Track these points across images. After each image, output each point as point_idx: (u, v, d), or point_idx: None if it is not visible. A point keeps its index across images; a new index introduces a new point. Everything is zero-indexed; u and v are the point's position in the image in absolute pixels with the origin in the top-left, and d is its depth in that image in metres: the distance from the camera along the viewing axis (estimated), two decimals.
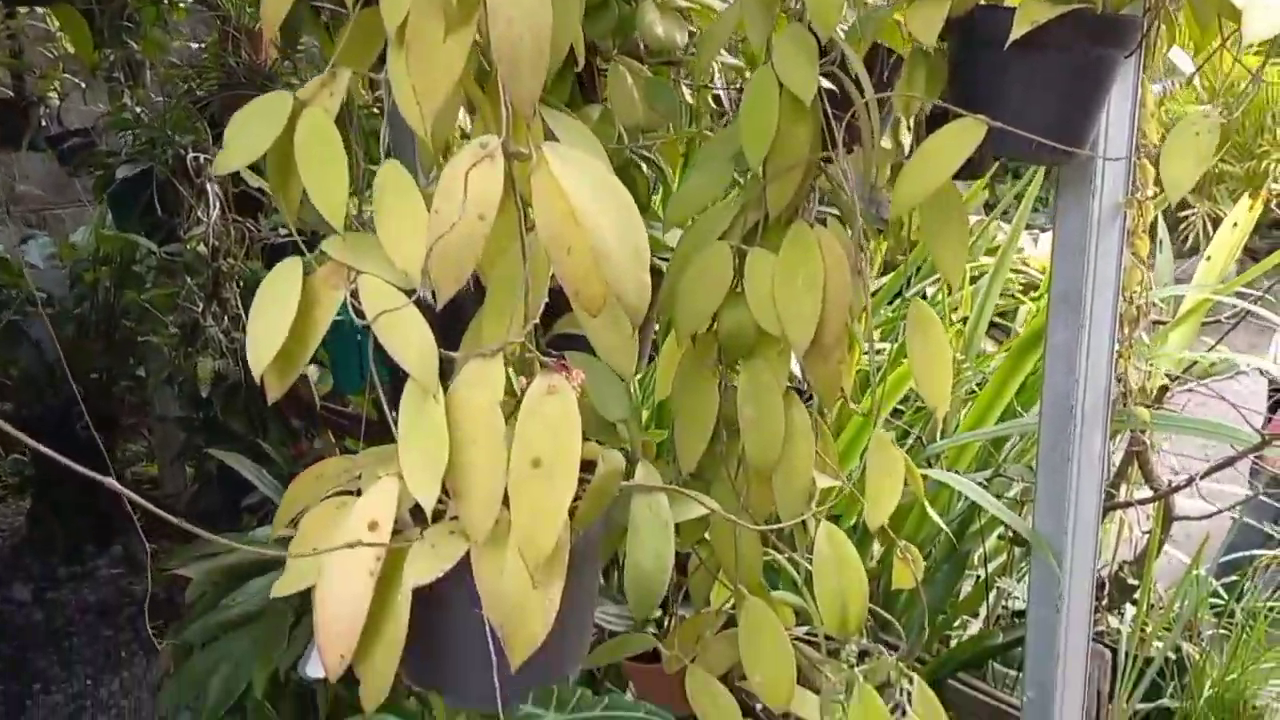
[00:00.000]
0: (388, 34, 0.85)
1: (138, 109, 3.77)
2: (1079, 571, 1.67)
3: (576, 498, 0.97)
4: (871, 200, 1.29)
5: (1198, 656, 2.28)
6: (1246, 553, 2.48)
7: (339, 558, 0.85)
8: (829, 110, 1.13)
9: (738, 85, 1.75)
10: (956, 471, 2.13)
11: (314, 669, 2.06)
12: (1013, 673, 2.23)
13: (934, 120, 1.25)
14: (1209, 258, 2.11)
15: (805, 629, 1.44)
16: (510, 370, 0.90)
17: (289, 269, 0.87)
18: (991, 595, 2.28)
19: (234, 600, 2.67)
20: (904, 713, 1.29)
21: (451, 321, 0.96)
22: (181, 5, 3.66)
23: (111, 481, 0.81)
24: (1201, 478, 1.84)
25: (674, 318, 1.17)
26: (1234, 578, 2.49)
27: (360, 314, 0.87)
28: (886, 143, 1.52)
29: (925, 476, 1.98)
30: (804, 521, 1.24)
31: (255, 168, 0.92)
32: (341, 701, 2.67)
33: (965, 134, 1.15)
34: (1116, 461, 2.09)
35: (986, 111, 1.15)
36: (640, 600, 1.04)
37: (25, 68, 4.27)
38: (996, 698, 1.88)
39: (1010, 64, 1.18)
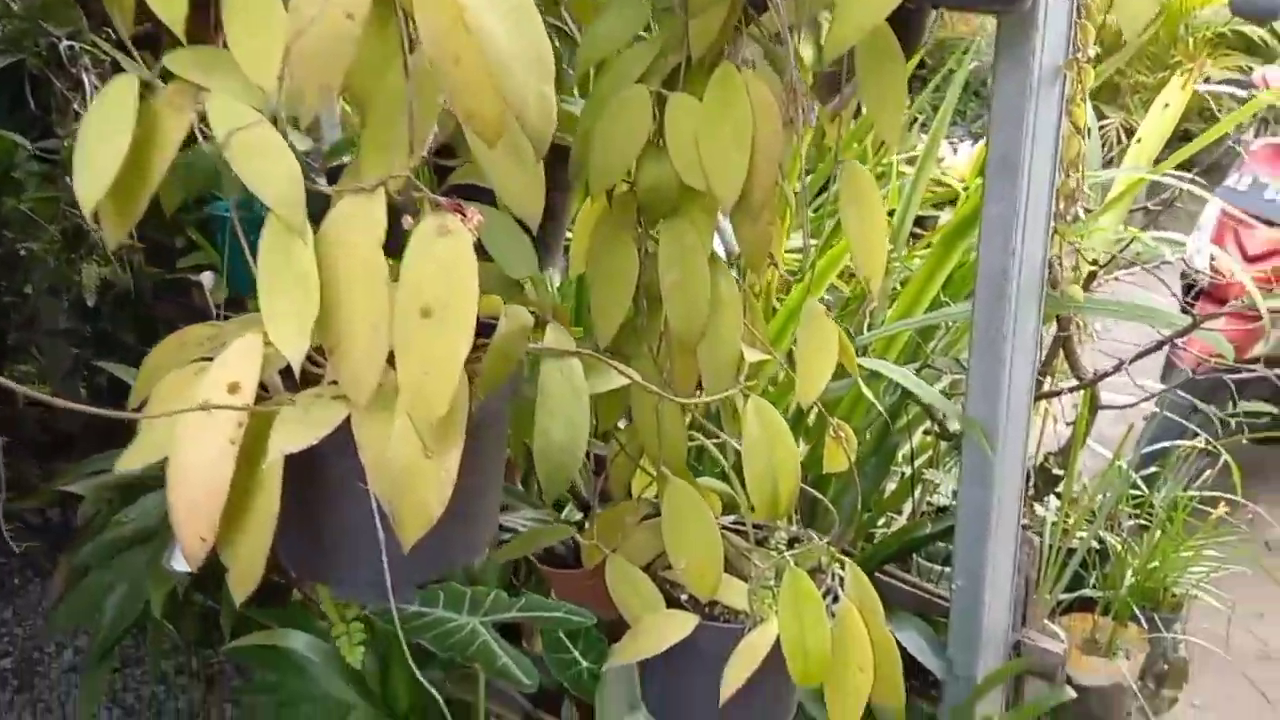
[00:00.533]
0: None
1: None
2: (1011, 456, 1.61)
3: (476, 359, 0.86)
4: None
5: (1119, 547, 2.27)
6: (1167, 443, 2.47)
7: (193, 424, 0.73)
8: None
9: None
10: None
11: (178, 561, 1.92)
12: (937, 567, 2.19)
13: None
14: (1140, 140, 2.05)
15: (732, 518, 1.35)
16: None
17: (121, 87, 0.73)
18: (917, 492, 2.23)
19: (127, 517, 2.52)
20: (836, 598, 1.22)
21: None
22: None
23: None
24: (1132, 361, 1.80)
25: (588, 171, 1.05)
26: (1154, 469, 2.49)
27: (214, 141, 0.74)
28: None
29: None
30: (731, 399, 1.15)
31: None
32: (247, 622, 2.55)
33: None
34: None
35: None
36: (552, 476, 0.93)
37: None
38: (923, 589, 1.83)
39: None
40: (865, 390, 1.52)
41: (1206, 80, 4.59)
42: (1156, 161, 2.22)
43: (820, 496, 1.25)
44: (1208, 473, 2.39)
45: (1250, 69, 5.24)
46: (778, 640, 1.17)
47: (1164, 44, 6.76)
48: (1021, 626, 1.77)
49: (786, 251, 2.33)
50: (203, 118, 0.75)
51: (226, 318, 2.87)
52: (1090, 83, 1.53)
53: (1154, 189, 2.47)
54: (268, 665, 2.43)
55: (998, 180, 1.46)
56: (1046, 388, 2.06)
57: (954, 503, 2.20)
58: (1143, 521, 2.36)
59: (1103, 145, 6.13)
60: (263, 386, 0.83)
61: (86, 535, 2.73)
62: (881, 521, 2.28)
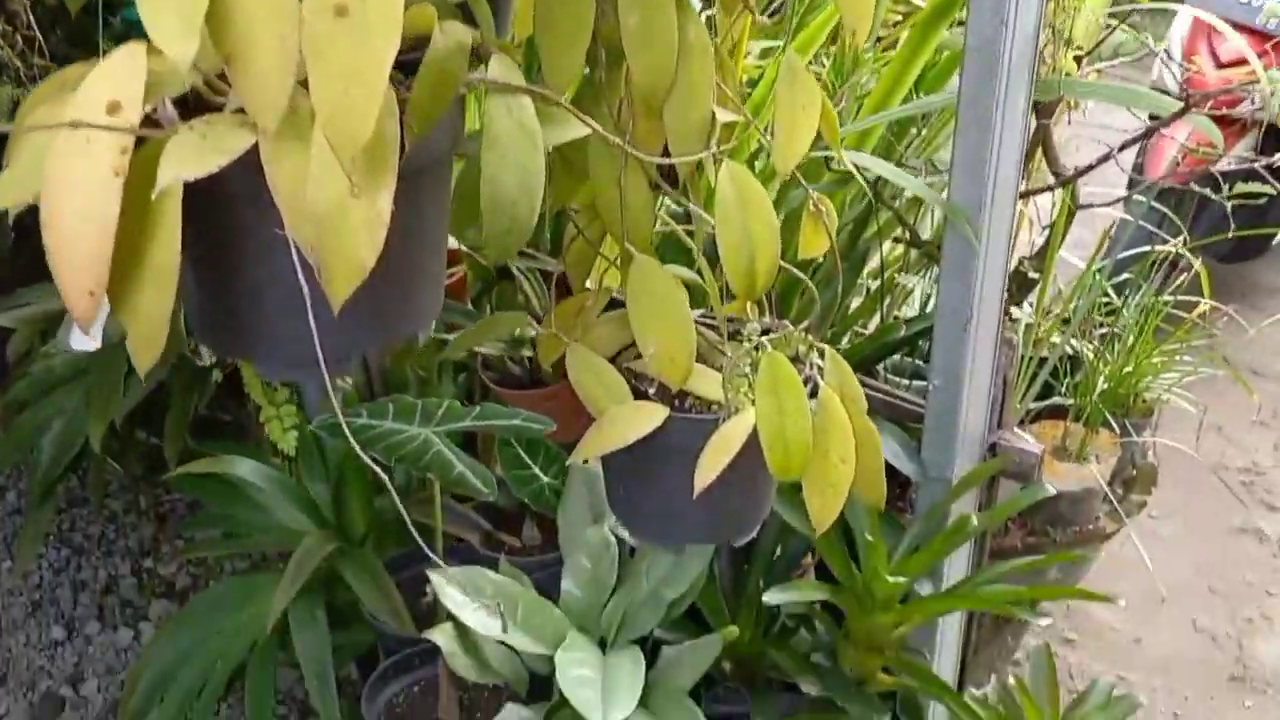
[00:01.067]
0: None
1: None
2: (994, 248, 1.52)
3: (407, 87, 0.73)
4: None
5: (1092, 354, 2.22)
6: (1139, 249, 2.40)
7: (67, 152, 0.60)
8: None
9: None
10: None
11: (75, 338, 1.81)
12: (904, 381, 2.13)
13: None
14: None
15: (701, 312, 1.25)
16: None
17: None
18: (886, 301, 2.15)
19: (56, 348, 2.38)
20: (815, 389, 1.13)
21: None
22: None
23: None
24: (1121, 150, 1.69)
25: None
26: (1127, 275, 2.43)
27: None
28: None
29: (827, 160, 1.79)
30: (701, 166, 1.03)
31: None
32: (193, 454, 2.46)
33: None
34: None
35: None
36: (503, 235, 0.82)
37: None
38: (895, 395, 1.76)
39: None
40: (848, 163, 1.40)
41: None
42: None
43: (800, 275, 1.14)
44: (1182, 278, 2.33)
45: None
46: (754, 432, 1.09)
47: None
48: (997, 428, 1.72)
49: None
50: None
51: None
52: None
53: None
54: (217, 497, 2.35)
55: None
56: (1026, 185, 1.96)
57: (925, 312, 2.14)
58: (1115, 330, 2.31)
59: None
60: (156, 123, 0.70)
61: (20, 371, 2.60)
62: (846, 339, 2.20)
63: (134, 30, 1.94)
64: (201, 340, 0.82)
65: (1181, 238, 2.27)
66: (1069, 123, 1.95)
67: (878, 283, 2.17)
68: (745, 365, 1.12)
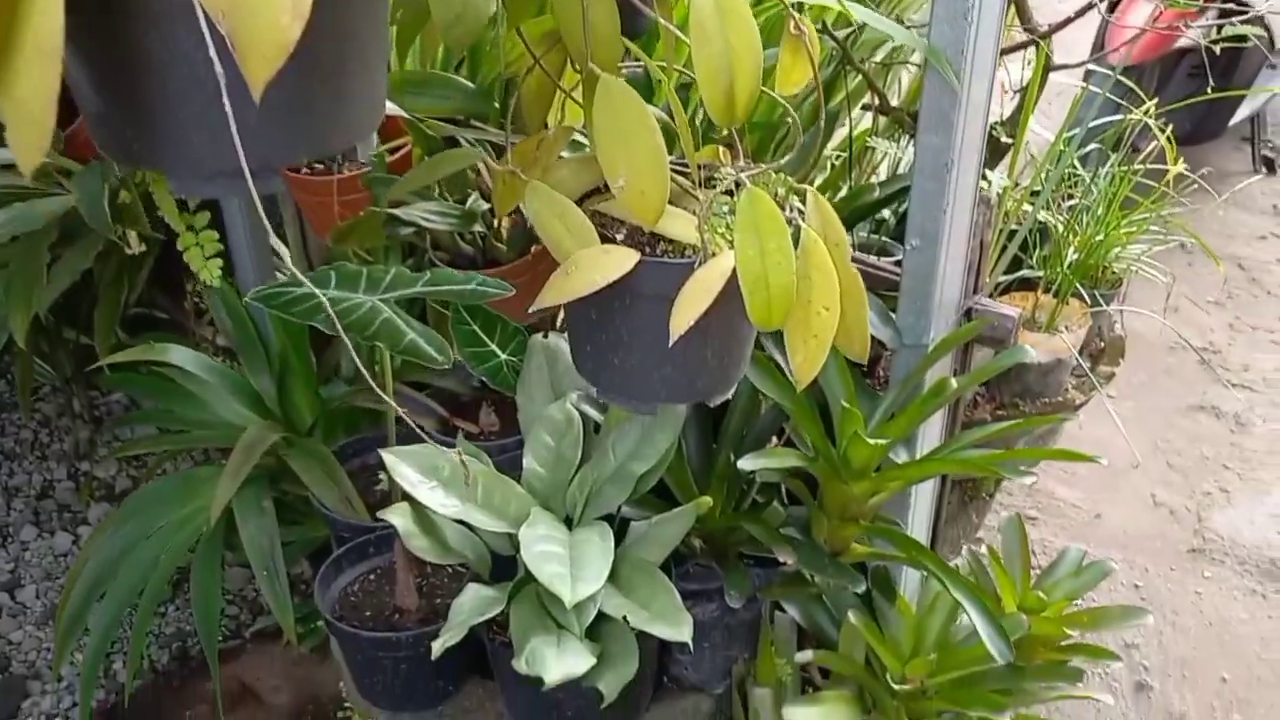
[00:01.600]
0: None
1: None
2: (974, 99, 1.43)
3: None
4: None
5: (1061, 226, 2.16)
6: (1106, 119, 2.33)
7: None
8: None
9: None
10: None
11: None
12: (871, 257, 2.06)
13: None
14: None
15: (673, 158, 1.15)
16: None
17: None
18: (854, 173, 2.07)
19: None
20: (797, 234, 1.04)
21: None
22: None
23: None
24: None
25: None
26: (1095, 146, 2.36)
27: None
28: None
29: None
30: None
31: None
32: (123, 347, 2.33)
33: None
34: None
35: None
36: (450, 23, 0.71)
37: None
38: (866, 262, 1.68)
39: None
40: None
41: None
42: None
43: (781, 100, 1.04)
44: (1150, 147, 2.26)
45: None
46: (732, 277, 1.00)
47: None
48: (973, 293, 1.65)
49: None
50: None
51: None
52: None
53: None
54: (154, 393, 2.23)
55: None
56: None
57: (898, 174, 2.05)
58: (1084, 203, 2.25)
59: None
60: None
61: None
62: None
63: None
64: (103, 149, 0.71)
65: (1150, 104, 2.20)
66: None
67: (844, 155, 2.08)
68: (723, 205, 1.03)
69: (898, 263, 1.58)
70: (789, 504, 1.67)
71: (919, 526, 1.73)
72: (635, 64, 1.49)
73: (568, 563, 1.32)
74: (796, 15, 1.02)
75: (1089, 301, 2.10)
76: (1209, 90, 2.62)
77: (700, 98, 0.98)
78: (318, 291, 1.29)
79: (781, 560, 1.45)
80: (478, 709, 1.61)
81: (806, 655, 1.62)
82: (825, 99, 1.93)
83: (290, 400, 2.07)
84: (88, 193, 2.21)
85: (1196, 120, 3.72)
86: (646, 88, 1.76)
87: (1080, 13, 1.73)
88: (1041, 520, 2.63)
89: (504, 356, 1.65)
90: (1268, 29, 3.48)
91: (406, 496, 1.42)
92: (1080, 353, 2.09)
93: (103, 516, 2.55)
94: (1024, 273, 2.15)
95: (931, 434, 1.67)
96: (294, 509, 2.09)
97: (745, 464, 1.35)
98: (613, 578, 1.37)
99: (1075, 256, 2.12)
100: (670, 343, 0.96)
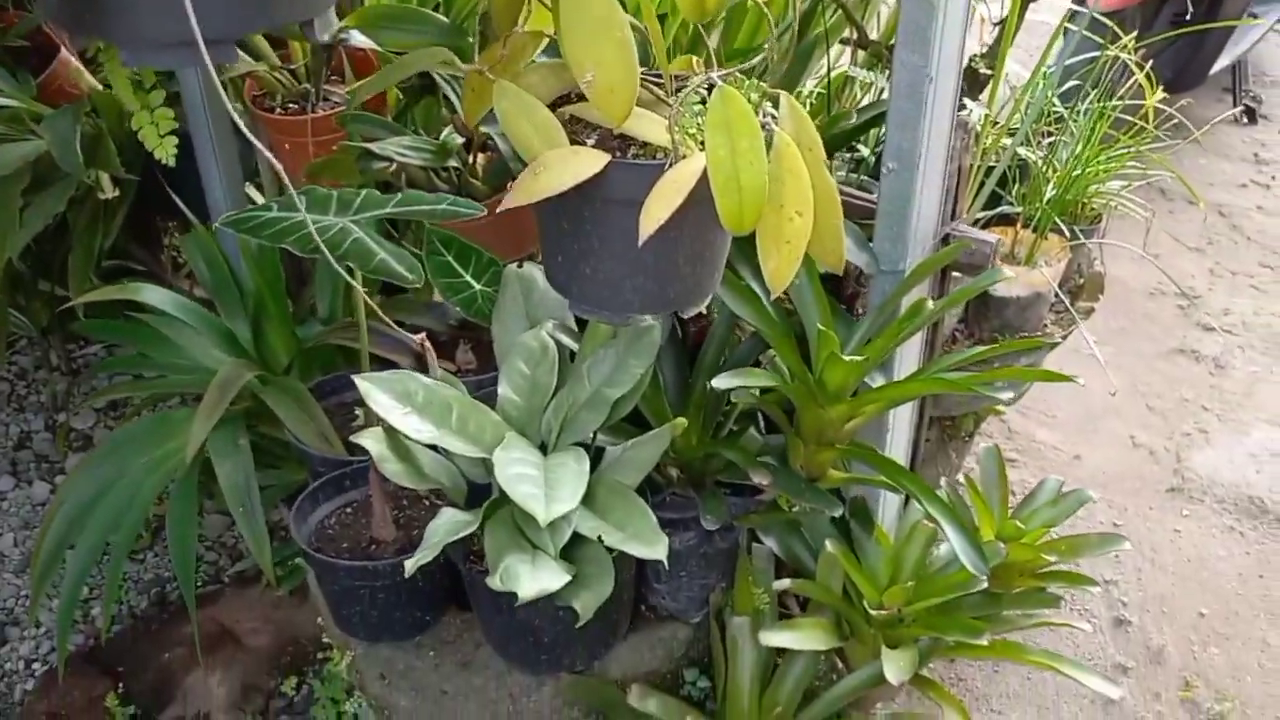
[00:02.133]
0: None
1: None
2: (951, 15, 1.41)
3: None
4: None
5: (1040, 161, 2.15)
6: (1086, 55, 2.31)
7: None
8: None
9: None
10: None
11: None
12: (850, 189, 2.05)
13: None
14: None
15: (644, 69, 1.13)
16: None
17: None
18: (834, 108, 2.05)
19: None
20: (770, 139, 1.03)
21: None
22: None
23: None
24: None
25: None
26: (1074, 82, 2.35)
27: None
28: None
29: None
30: None
31: None
32: (92, 286, 2.31)
33: None
34: None
35: None
36: None
37: None
38: (844, 190, 1.67)
39: None
40: None
41: None
42: None
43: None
44: (1130, 82, 2.25)
45: None
46: (704, 180, 0.99)
47: None
48: (951, 220, 1.64)
49: None
50: None
51: None
52: None
53: None
54: (131, 339, 2.21)
55: None
56: None
57: (879, 99, 2.04)
58: (1063, 139, 2.23)
59: None
60: None
61: None
62: None
63: None
64: (56, 21, 0.69)
65: (1128, 38, 2.19)
66: None
67: (824, 93, 2.07)
68: (695, 109, 1.02)
69: None
70: (766, 434, 1.67)
71: (896, 457, 1.73)
72: None
73: (542, 484, 1.31)
74: None
75: (1069, 236, 2.10)
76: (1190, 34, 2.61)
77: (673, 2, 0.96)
78: (305, 214, 1.27)
79: (758, 483, 1.44)
80: (455, 639, 1.60)
81: (784, 583, 1.62)
82: (802, 32, 1.91)
83: (266, 341, 2.05)
84: (59, 135, 2.18)
85: (1178, 69, 3.71)
86: None
87: None
88: (1021, 462, 2.64)
89: (479, 287, 1.64)
90: None
91: (382, 424, 1.41)
92: (1060, 288, 2.08)
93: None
94: (1003, 209, 2.14)
95: (909, 362, 1.67)
96: (270, 453, 2.07)
97: (719, 381, 1.35)
98: (588, 501, 1.37)
99: (1054, 192, 2.10)
100: (640, 243, 0.95)
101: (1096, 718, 2.00)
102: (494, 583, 1.23)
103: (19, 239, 2.20)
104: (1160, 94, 2.11)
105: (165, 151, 1.65)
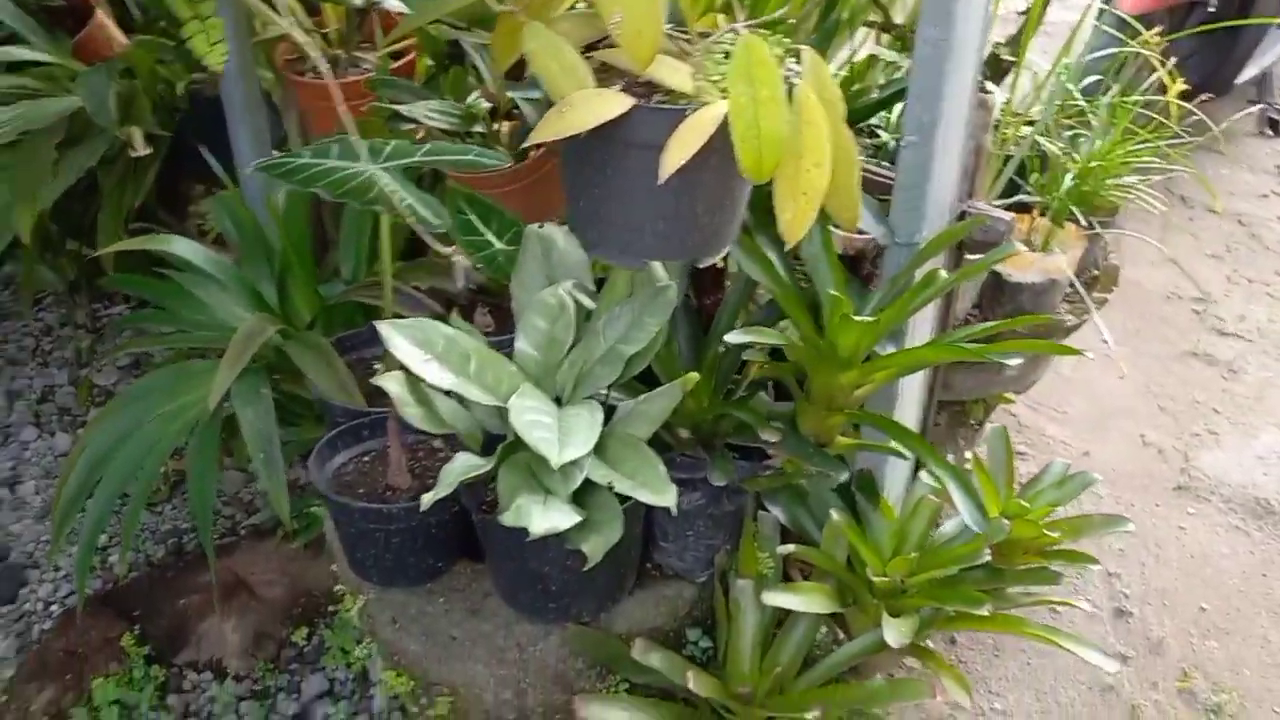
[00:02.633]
0: None
1: None
2: None
3: None
4: None
5: (1059, 151, 2.17)
6: (1109, 50, 2.34)
7: None
8: None
9: None
10: None
11: None
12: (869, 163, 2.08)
13: None
14: None
15: (672, 25, 1.16)
16: None
17: None
18: (854, 87, 2.08)
19: None
20: (790, 91, 1.06)
21: None
22: None
23: None
24: None
25: None
26: (1095, 78, 2.37)
27: None
28: None
29: None
30: None
31: None
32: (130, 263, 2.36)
33: None
34: None
35: None
36: None
37: None
38: (863, 166, 1.70)
39: None
40: None
41: None
42: None
43: None
44: (1152, 76, 2.27)
45: None
46: (724, 128, 1.02)
47: None
48: (968, 198, 1.67)
49: None
50: None
51: None
52: None
53: None
54: (157, 294, 2.26)
55: None
56: None
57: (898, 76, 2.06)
58: (1082, 133, 2.26)
59: None
60: None
61: None
62: None
63: None
64: None
65: (1153, 32, 2.21)
66: None
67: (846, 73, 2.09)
68: (719, 60, 1.05)
69: None
70: (776, 402, 1.70)
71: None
72: None
73: (556, 430, 1.34)
74: None
75: (1085, 226, 2.12)
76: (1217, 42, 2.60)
77: None
78: (336, 161, 1.30)
79: (767, 442, 1.47)
80: (465, 588, 1.64)
81: (788, 548, 1.65)
82: (827, 12, 1.93)
83: (290, 299, 2.09)
84: (93, 91, 2.24)
85: (1203, 76, 3.72)
86: None
87: None
88: (1030, 455, 2.65)
89: (500, 246, 1.67)
90: None
91: (403, 370, 1.44)
92: (1074, 278, 2.10)
93: None
94: (1020, 197, 2.17)
95: (921, 337, 1.69)
96: (289, 410, 2.11)
97: (733, 337, 1.38)
98: (600, 452, 1.40)
99: (1072, 183, 2.13)
100: (660, 183, 0.98)
101: (1094, 703, 2.02)
102: (506, 519, 1.26)
103: (52, 191, 2.25)
104: (1180, 86, 2.13)
105: (215, 59, 1.66)
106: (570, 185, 1.20)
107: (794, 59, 1.10)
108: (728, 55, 1.10)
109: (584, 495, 1.36)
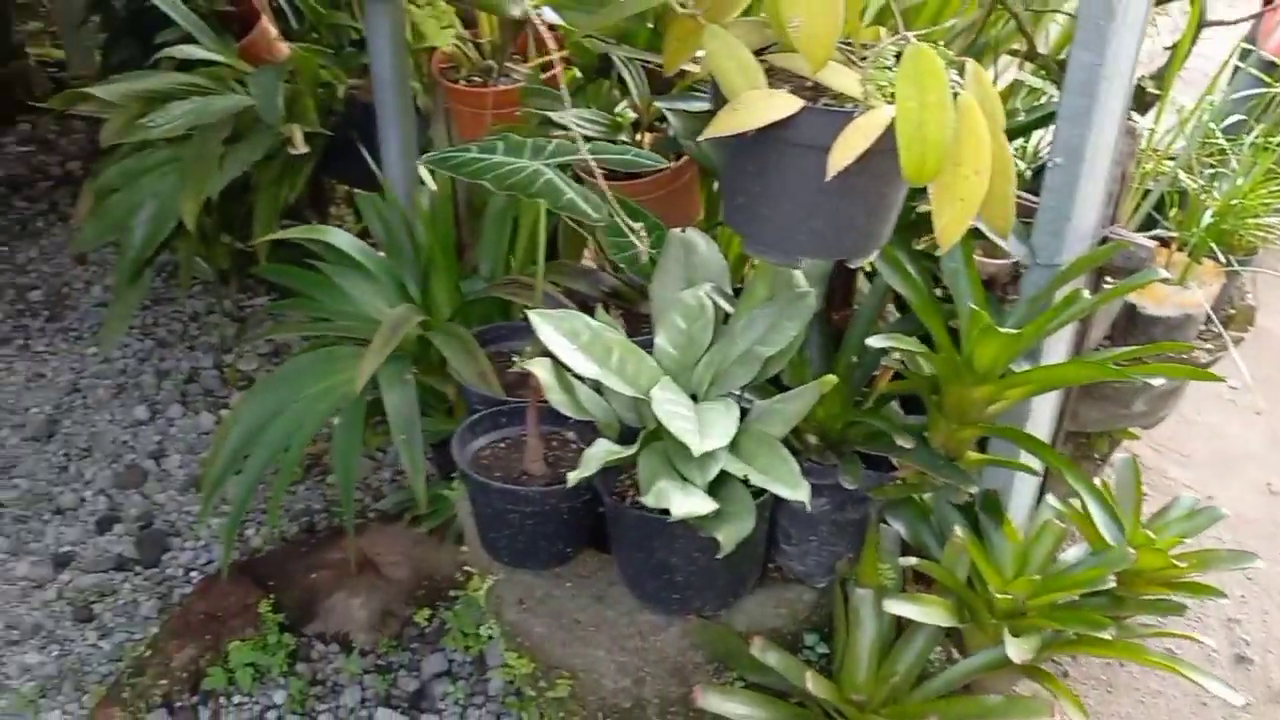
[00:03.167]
0: None
1: None
2: (1132, 15, 1.45)
3: None
4: None
5: (1198, 188, 2.15)
6: (1253, 91, 2.31)
7: None
8: None
9: None
10: None
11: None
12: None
13: None
14: None
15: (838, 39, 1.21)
16: None
17: None
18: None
19: (154, 121, 2.40)
20: (955, 95, 1.10)
21: None
22: None
23: None
24: None
25: None
26: (1239, 118, 2.34)
27: None
28: None
29: None
30: None
31: None
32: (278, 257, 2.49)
33: None
34: None
35: None
36: None
37: None
38: None
39: None
40: None
41: None
42: None
43: None
44: None
45: None
46: (888, 133, 1.06)
47: None
48: (1110, 224, 1.67)
49: None
50: None
51: None
52: None
53: None
54: (304, 284, 2.37)
55: None
56: None
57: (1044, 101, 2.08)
58: (1222, 171, 2.23)
59: None
60: None
61: (111, 159, 2.63)
62: None
63: None
64: None
65: None
66: None
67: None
68: (885, 56, 1.09)
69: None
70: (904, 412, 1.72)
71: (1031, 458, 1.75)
72: None
73: (695, 422, 1.39)
74: None
75: (1223, 264, 2.09)
76: None
77: None
78: (503, 156, 1.38)
79: (901, 449, 1.50)
80: (590, 575, 1.69)
81: (910, 561, 1.67)
82: (976, 37, 1.96)
83: (431, 293, 2.18)
84: (263, 89, 2.38)
85: None
86: None
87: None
88: (1152, 497, 2.60)
89: (643, 247, 1.73)
90: None
91: (547, 357, 1.51)
92: (1208, 318, 2.08)
93: None
94: (1158, 232, 2.15)
95: (1055, 359, 1.70)
96: (423, 401, 2.21)
97: (875, 341, 1.41)
98: (734, 448, 1.44)
99: (1211, 220, 2.11)
100: (826, 180, 1.03)
101: None
102: (648, 500, 1.31)
103: (218, 181, 2.40)
104: None
105: (443, 40, 1.76)
106: (729, 183, 1.25)
107: (956, 70, 1.14)
108: (895, 62, 1.15)
109: (718, 487, 1.41)
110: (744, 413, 1.57)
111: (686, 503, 1.30)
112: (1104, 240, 1.65)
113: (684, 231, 1.74)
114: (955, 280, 1.56)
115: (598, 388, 1.59)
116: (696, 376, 1.56)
